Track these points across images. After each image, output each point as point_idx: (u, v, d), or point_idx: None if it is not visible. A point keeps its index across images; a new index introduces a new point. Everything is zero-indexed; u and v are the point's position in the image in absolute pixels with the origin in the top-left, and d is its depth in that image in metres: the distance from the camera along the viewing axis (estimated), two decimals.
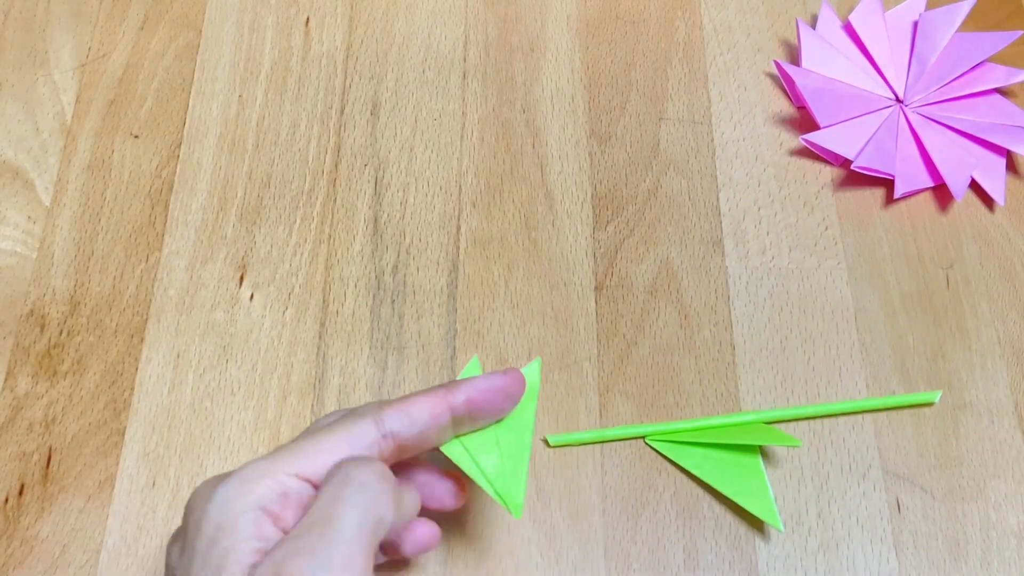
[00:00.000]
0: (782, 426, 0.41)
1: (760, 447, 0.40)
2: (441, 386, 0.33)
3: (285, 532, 0.28)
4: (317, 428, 0.32)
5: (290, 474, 0.29)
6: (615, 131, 0.48)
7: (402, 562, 0.37)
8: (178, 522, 0.38)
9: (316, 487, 0.29)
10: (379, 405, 0.32)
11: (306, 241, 0.44)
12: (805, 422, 0.41)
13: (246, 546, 0.28)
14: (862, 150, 0.46)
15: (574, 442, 0.40)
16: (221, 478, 0.29)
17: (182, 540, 0.29)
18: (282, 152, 0.47)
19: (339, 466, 0.29)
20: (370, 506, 0.28)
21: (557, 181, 0.46)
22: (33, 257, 0.44)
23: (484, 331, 0.43)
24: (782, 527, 0.38)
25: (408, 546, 0.34)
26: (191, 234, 0.44)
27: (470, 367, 0.36)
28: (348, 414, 0.32)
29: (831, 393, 0.41)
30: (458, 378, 0.34)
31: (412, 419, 0.32)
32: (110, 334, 0.42)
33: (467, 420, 0.33)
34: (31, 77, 0.48)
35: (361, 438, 0.31)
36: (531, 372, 0.35)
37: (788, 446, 0.40)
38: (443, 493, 0.34)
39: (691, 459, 0.40)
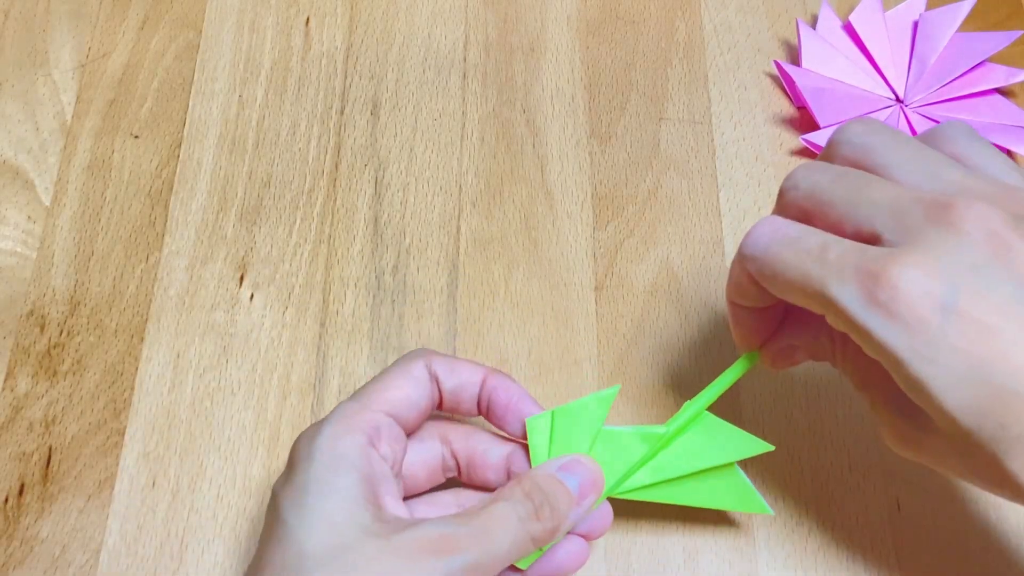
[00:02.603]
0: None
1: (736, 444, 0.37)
2: (491, 367, 0.36)
3: (384, 459, 0.33)
4: (378, 375, 0.35)
5: (377, 411, 0.33)
6: (615, 131, 0.48)
7: None
8: (177, 521, 0.38)
9: (397, 420, 0.34)
10: (428, 350, 0.36)
11: (306, 241, 0.44)
12: (806, 426, 0.41)
13: (357, 472, 0.31)
14: None
15: None
16: (320, 423, 0.33)
17: (287, 476, 0.32)
18: (282, 152, 0.47)
19: (514, 486, 0.33)
20: (523, 545, 0.32)
21: (557, 181, 0.46)
22: (33, 257, 0.44)
23: (484, 331, 0.43)
24: (771, 510, 0.36)
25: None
26: (191, 234, 0.44)
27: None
28: (401, 358, 0.35)
29: (831, 392, 0.41)
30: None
31: (454, 370, 0.35)
32: (110, 334, 0.42)
33: (485, 406, 0.36)
34: (31, 77, 0.48)
35: (420, 379, 0.34)
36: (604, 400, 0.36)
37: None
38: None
39: (664, 494, 0.36)
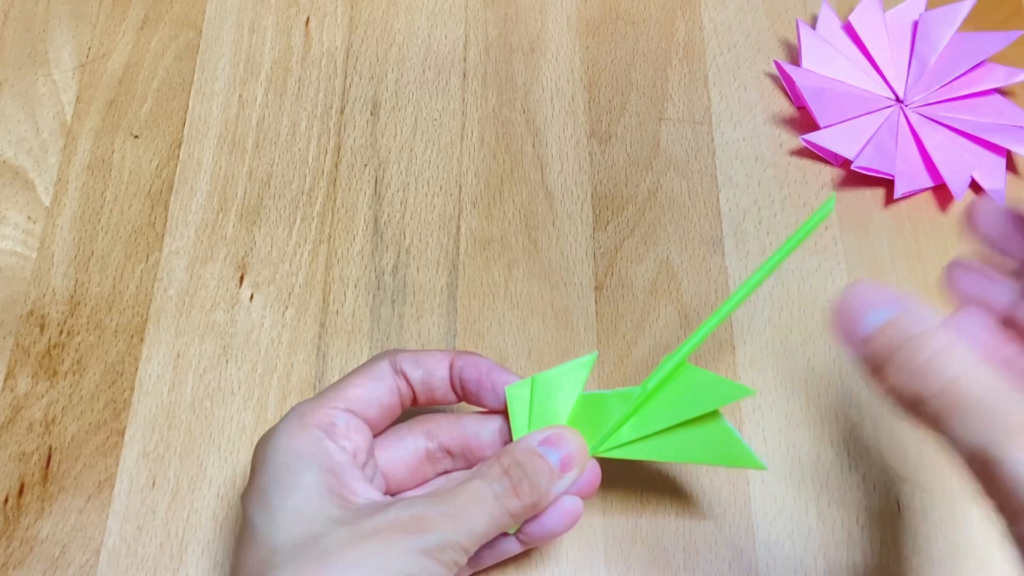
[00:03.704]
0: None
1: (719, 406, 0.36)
2: (457, 350, 0.37)
3: (343, 450, 0.33)
4: (345, 375, 0.35)
5: (333, 408, 0.34)
6: (615, 131, 0.48)
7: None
8: (177, 521, 0.38)
9: (356, 415, 0.34)
10: (395, 349, 0.36)
11: (306, 241, 0.45)
12: (806, 426, 0.41)
13: (316, 465, 0.32)
14: (862, 150, 0.46)
15: None
16: (275, 425, 0.33)
17: (250, 481, 0.33)
18: (282, 152, 0.47)
19: (492, 463, 0.33)
20: (501, 521, 0.32)
21: (557, 181, 0.46)
22: (33, 257, 0.44)
23: (484, 331, 0.43)
24: (765, 465, 0.35)
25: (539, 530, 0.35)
26: (191, 234, 0.44)
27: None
28: (369, 359, 0.36)
29: (831, 392, 0.41)
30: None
31: (419, 362, 0.35)
32: (110, 334, 0.42)
33: (460, 389, 0.36)
34: (31, 77, 0.48)
35: (382, 376, 0.35)
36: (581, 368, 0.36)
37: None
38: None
39: (652, 450, 0.35)
